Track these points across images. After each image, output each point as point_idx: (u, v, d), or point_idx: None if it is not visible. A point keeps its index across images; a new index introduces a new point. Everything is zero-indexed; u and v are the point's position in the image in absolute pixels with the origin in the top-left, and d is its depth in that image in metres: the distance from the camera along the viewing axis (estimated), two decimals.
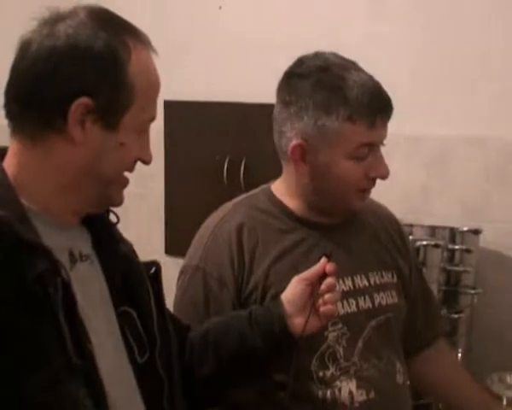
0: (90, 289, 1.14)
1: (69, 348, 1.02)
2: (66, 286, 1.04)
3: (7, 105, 1.11)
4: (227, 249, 1.52)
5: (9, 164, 1.10)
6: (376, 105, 1.46)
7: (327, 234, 1.57)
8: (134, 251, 1.29)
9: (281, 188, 1.61)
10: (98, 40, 1.07)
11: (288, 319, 1.37)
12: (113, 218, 1.24)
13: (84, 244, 1.18)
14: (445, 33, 2.37)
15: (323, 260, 1.40)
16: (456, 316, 2.21)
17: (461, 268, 2.21)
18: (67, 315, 1.03)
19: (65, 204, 1.12)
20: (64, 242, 1.11)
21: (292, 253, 1.53)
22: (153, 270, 1.27)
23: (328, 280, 1.38)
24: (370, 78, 1.50)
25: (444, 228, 2.23)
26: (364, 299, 1.56)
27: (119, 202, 1.18)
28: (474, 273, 2.24)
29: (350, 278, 1.55)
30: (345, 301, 1.53)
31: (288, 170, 1.58)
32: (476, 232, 2.23)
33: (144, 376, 1.19)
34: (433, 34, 2.39)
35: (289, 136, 1.51)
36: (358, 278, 1.57)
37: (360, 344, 1.53)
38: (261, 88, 2.66)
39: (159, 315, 1.24)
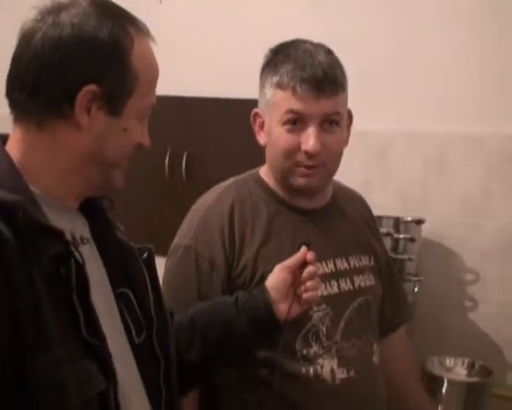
0: (90, 272, 1.14)
1: (82, 327, 1.04)
2: (80, 267, 1.06)
3: (10, 93, 1.12)
4: (219, 231, 1.54)
5: (13, 150, 1.11)
6: (302, 75, 1.51)
7: (309, 218, 1.62)
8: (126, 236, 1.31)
9: (265, 170, 1.66)
10: (103, 29, 1.09)
11: (273, 305, 1.43)
12: (106, 203, 1.26)
13: (83, 228, 1.20)
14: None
15: (304, 248, 1.46)
16: None
17: (405, 256, 2.30)
18: (80, 295, 1.05)
19: (68, 188, 1.14)
20: (67, 225, 1.12)
21: (278, 236, 1.57)
22: (146, 254, 1.30)
23: (309, 268, 1.45)
24: (323, 56, 1.53)
25: (388, 218, 2.31)
26: (345, 281, 1.62)
27: (120, 185, 1.20)
28: (417, 262, 2.34)
29: (332, 261, 1.61)
30: (327, 283, 1.58)
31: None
32: (419, 222, 2.34)
33: (141, 355, 1.22)
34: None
35: None
36: (339, 261, 1.62)
37: (342, 324, 1.58)
38: (202, 82, 2.71)
39: (155, 297, 1.27)
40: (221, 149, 2.72)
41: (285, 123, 1.54)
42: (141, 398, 1.20)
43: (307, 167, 1.55)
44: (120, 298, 1.22)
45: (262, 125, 1.61)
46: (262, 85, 1.60)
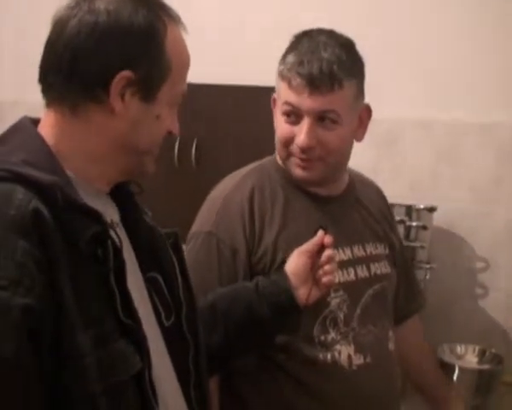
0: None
1: (119, 308, 1.05)
2: (117, 249, 1.07)
3: (44, 79, 1.13)
4: (239, 217, 1.55)
5: (47, 135, 1.12)
6: (298, 70, 1.52)
7: (326, 205, 1.63)
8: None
9: None
10: (138, 16, 1.11)
11: (293, 290, 1.44)
12: (134, 188, 1.27)
13: (113, 213, 1.21)
14: None
15: (321, 232, 1.47)
16: None
17: (417, 244, 2.31)
18: (116, 277, 1.06)
19: (100, 173, 1.15)
20: (100, 209, 1.12)
21: (295, 221, 1.58)
22: (172, 239, 1.31)
23: (328, 252, 1.47)
24: (329, 51, 1.53)
25: (400, 205, 2.31)
26: (362, 268, 1.63)
27: (152, 171, 1.21)
28: (428, 249, 2.35)
29: (349, 248, 1.62)
30: (344, 270, 1.60)
31: None
32: (431, 210, 2.34)
33: (171, 339, 1.24)
34: None
35: None
36: (356, 248, 1.64)
37: (359, 311, 1.60)
38: (212, 68, 2.70)
39: (183, 281, 1.29)
40: (231, 137, 2.71)
41: (283, 113, 1.57)
42: (171, 380, 1.22)
43: (301, 159, 1.57)
44: (150, 282, 1.24)
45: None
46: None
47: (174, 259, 1.28)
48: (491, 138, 2.40)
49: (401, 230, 2.25)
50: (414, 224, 2.30)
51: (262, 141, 2.69)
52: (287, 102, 1.55)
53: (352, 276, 1.60)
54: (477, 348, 2.32)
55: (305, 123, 1.53)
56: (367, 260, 1.64)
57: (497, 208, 2.41)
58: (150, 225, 1.27)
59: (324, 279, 1.46)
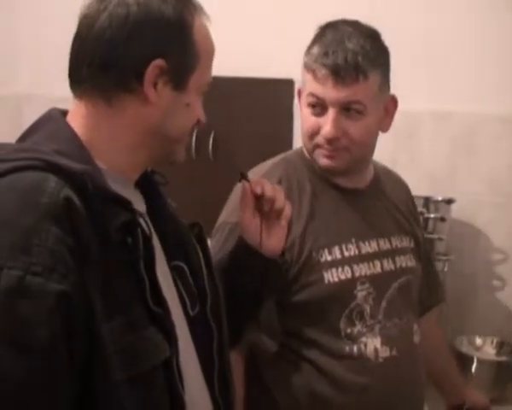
0: None
1: (148, 296, 1.07)
2: (147, 237, 1.08)
3: (76, 72, 1.14)
4: None
5: (77, 126, 1.13)
6: (323, 61, 1.52)
7: (352, 198, 1.63)
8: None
9: None
10: (168, 6, 1.13)
11: (248, 242, 1.39)
12: (159, 179, 1.29)
13: (140, 203, 1.22)
14: None
15: (245, 184, 1.38)
16: None
17: (435, 236, 2.30)
18: (146, 265, 1.07)
19: (132, 162, 1.17)
20: (129, 198, 1.13)
21: (323, 213, 1.58)
22: (197, 230, 1.33)
23: (267, 194, 1.37)
24: (354, 42, 1.52)
25: (418, 197, 2.30)
26: (388, 261, 1.63)
27: (182, 159, 1.23)
28: (446, 241, 2.35)
29: (375, 241, 1.62)
30: (370, 263, 1.59)
31: None
32: (449, 202, 2.34)
33: (195, 327, 1.25)
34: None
35: None
36: (382, 241, 1.64)
37: (384, 304, 1.59)
38: (229, 61, 2.70)
39: (208, 271, 1.30)
40: (248, 130, 2.71)
41: (308, 105, 1.57)
42: (195, 368, 1.23)
43: (327, 150, 1.57)
44: (175, 271, 1.26)
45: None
46: None
47: (199, 249, 1.30)
48: (508, 129, 2.40)
49: None
50: (432, 216, 2.30)
51: (279, 134, 2.71)
52: (312, 94, 1.55)
53: (378, 269, 1.60)
54: (495, 340, 2.33)
55: (331, 114, 1.53)
56: (392, 253, 1.64)
57: None
58: (175, 216, 1.29)
59: (285, 212, 1.39)
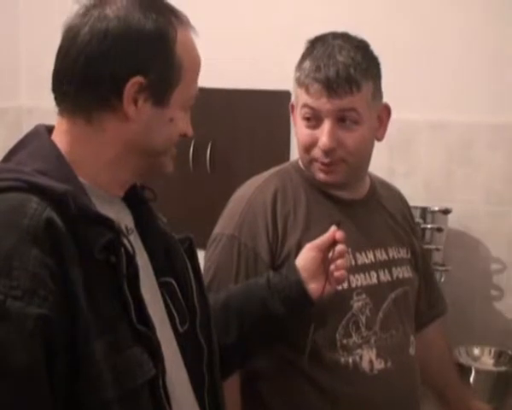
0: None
1: (133, 316, 1.06)
2: (130, 256, 1.08)
3: (58, 87, 1.14)
4: (262, 220, 1.56)
5: (60, 142, 1.13)
6: (315, 76, 1.53)
7: (349, 209, 1.63)
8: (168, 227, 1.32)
9: None
10: (148, 21, 1.11)
11: (304, 284, 1.44)
12: (148, 194, 1.28)
13: (127, 218, 1.21)
14: None
15: (333, 228, 1.47)
16: None
17: (432, 246, 2.30)
18: (130, 284, 1.07)
19: (114, 178, 1.16)
20: (114, 215, 1.13)
21: (318, 224, 1.58)
22: (187, 244, 1.32)
23: (340, 247, 1.46)
24: (344, 55, 1.53)
25: (415, 208, 2.31)
26: (384, 272, 1.63)
27: (170, 169, 1.22)
28: (443, 251, 2.35)
29: (371, 252, 1.62)
30: (367, 274, 1.60)
31: None
32: (446, 212, 2.34)
33: (185, 344, 1.25)
34: None
35: None
36: (379, 251, 1.64)
37: (381, 315, 1.60)
38: (227, 73, 2.71)
39: (197, 287, 1.29)
40: (245, 142, 2.72)
41: (303, 118, 1.57)
42: (185, 386, 1.23)
43: (323, 164, 1.57)
44: (164, 287, 1.25)
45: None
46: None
47: (188, 264, 1.29)
48: (504, 139, 2.40)
49: None
50: (429, 226, 2.30)
51: (277, 145, 2.71)
52: (306, 105, 1.55)
53: (375, 280, 1.61)
54: (493, 350, 2.32)
55: (326, 125, 1.54)
56: (389, 264, 1.65)
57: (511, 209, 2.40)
58: (164, 231, 1.28)
59: (336, 273, 1.45)
